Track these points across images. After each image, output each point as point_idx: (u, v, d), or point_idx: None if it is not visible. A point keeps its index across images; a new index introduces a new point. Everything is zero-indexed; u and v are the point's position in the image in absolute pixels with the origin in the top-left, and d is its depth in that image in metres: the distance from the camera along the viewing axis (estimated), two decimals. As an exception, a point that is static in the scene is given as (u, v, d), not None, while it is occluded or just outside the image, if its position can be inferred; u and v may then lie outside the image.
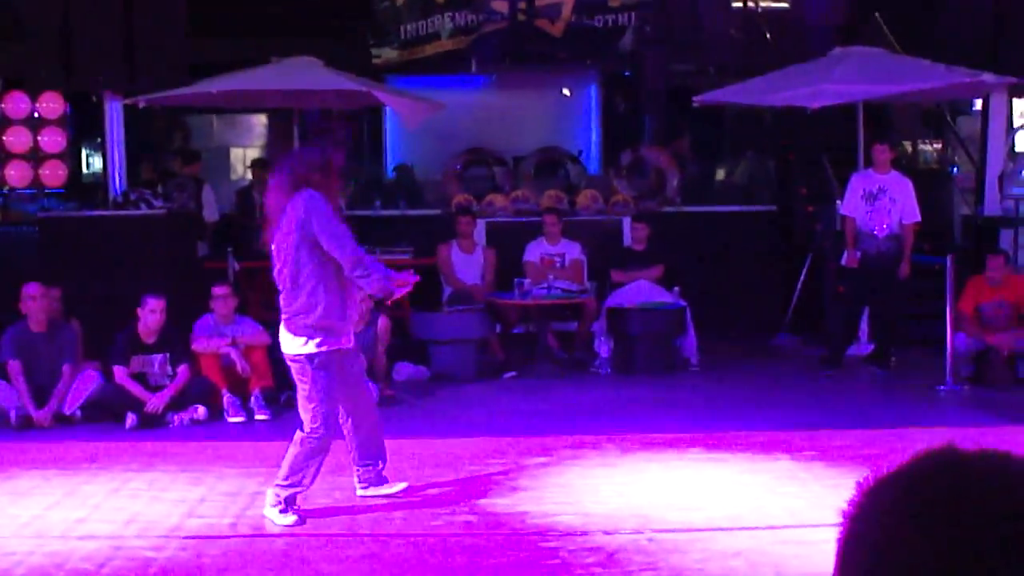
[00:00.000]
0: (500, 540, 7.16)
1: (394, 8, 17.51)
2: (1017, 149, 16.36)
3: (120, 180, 14.60)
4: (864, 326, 13.80)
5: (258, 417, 11.04)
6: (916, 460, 1.43)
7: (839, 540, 1.43)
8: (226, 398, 11.10)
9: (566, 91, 19.10)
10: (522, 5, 17.14)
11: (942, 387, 11.97)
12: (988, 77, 13.67)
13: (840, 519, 1.43)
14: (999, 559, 1.31)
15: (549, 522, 7.47)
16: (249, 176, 17.61)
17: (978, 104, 16.54)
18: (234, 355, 11.30)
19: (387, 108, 16.29)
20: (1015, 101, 16.20)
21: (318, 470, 7.67)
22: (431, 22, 17.36)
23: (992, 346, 12.27)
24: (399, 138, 17.94)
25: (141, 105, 13.91)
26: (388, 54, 17.59)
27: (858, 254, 12.99)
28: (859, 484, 1.43)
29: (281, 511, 7.50)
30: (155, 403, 10.76)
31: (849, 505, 1.44)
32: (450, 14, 17.33)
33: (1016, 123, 16.62)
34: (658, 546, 6.99)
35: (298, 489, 7.59)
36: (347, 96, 14.48)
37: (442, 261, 14.06)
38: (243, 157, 19.67)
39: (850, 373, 13.01)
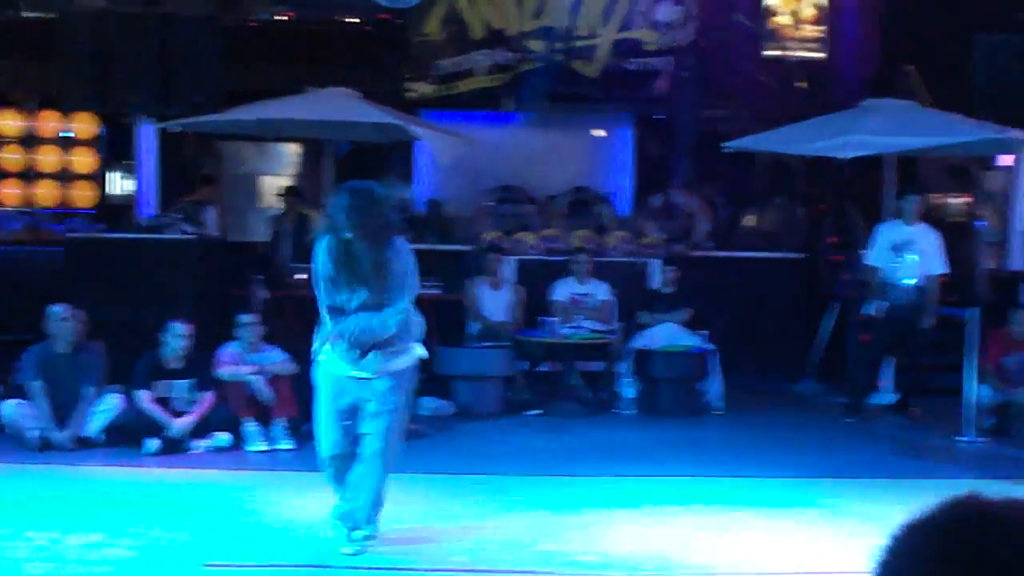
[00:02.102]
0: (520, 577, 7.13)
1: (431, 43, 17.59)
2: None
3: (151, 204, 14.69)
4: (888, 376, 13.78)
5: (281, 446, 11.04)
6: (942, 508, 1.45)
7: None
8: (249, 426, 11.11)
9: (600, 132, 19.14)
10: (559, 46, 17.22)
11: (963, 439, 11.95)
12: (1017, 133, 13.71)
13: (870, 566, 1.45)
14: None
15: (569, 560, 7.45)
16: (278, 204, 17.60)
17: (1003, 159, 16.55)
18: (259, 383, 11.31)
19: (419, 142, 16.36)
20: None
21: (339, 493, 7.61)
22: (467, 59, 17.44)
23: (1013, 399, 12.26)
24: (430, 173, 17.99)
25: (176, 130, 14.01)
26: (423, 88, 17.66)
27: (884, 304, 12.99)
28: (891, 533, 1.45)
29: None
30: (178, 429, 10.79)
31: (880, 553, 1.45)
32: (487, 52, 17.41)
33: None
34: (678, 589, 6.97)
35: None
36: (380, 129, 14.54)
37: (470, 297, 14.07)
38: (274, 185, 19.71)
39: (872, 422, 12.98)
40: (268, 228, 16.47)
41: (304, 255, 7.96)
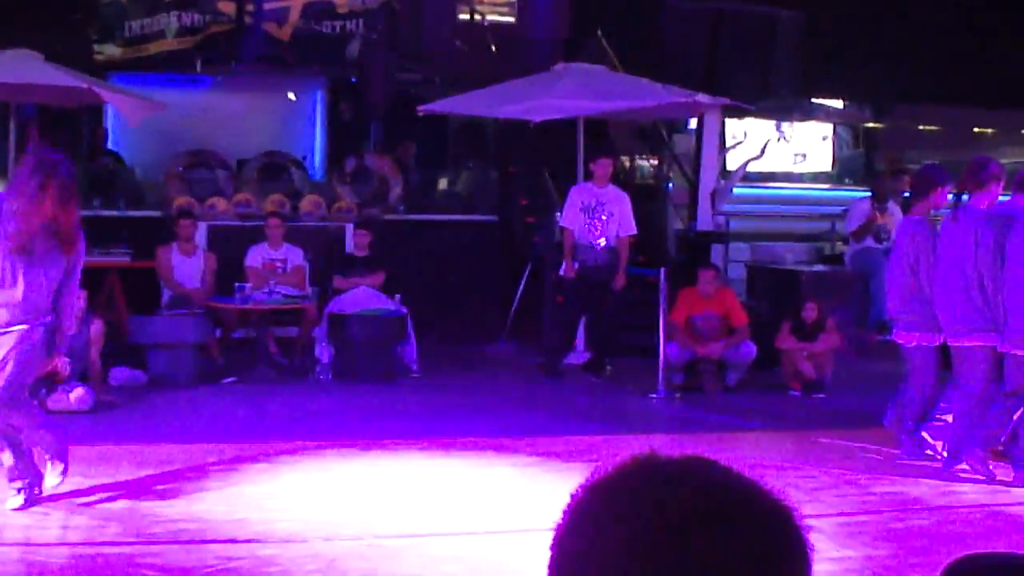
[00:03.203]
0: (219, 547, 7.07)
1: (119, 4, 17.12)
2: (728, 168, 17.00)
3: None
4: (581, 335, 14.11)
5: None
6: (617, 467, 1.47)
7: (551, 547, 1.46)
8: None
9: (291, 95, 18.99)
10: (249, 7, 16.98)
11: (655, 395, 12.34)
12: (703, 98, 14.19)
13: (553, 527, 1.46)
14: (691, 567, 1.37)
15: (268, 529, 7.42)
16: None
17: (693, 123, 17.12)
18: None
19: (108, 106, 15.91)
20: (728, 121, 16.82)
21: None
22: (156, 20, 17.04)
23: (702, 356, 12.72)
24: (120, 137, 17.52)
25: None
26: (111, 51, 17.18)
27: (576, 265, 13.31)
28: (570, 493, 1.47)
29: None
30: None
31: (561, 514, 1.47)
32: (176, 13, 17.05)
33: (728, 143, 17.25)
34: (378, 552, 7.02)
35: None
36: (67, 92, 14.08)
37: (161, 264, 13.78)
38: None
39: (567, 381, 13.28)
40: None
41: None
